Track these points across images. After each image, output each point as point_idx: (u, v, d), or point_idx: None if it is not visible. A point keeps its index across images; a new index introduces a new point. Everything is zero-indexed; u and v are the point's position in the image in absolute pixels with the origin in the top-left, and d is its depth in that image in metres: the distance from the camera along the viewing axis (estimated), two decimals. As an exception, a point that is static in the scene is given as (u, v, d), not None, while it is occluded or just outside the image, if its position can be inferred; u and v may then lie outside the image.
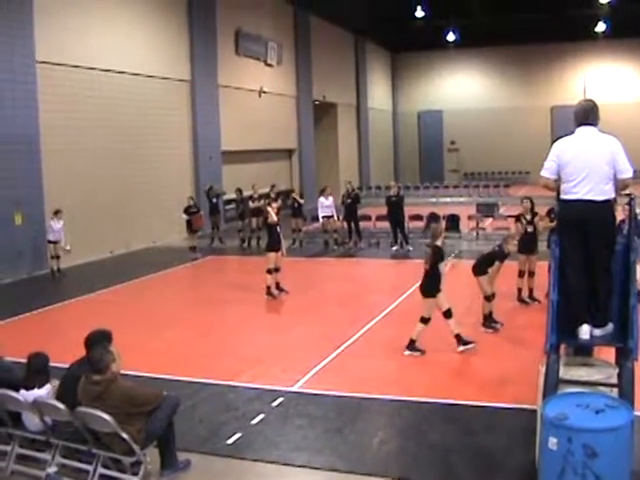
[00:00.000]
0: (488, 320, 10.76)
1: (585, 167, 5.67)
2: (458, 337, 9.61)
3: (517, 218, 12.69)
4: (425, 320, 9.60)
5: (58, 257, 16.43)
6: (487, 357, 9.50)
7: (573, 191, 5.73)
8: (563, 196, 5.86)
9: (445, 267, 9.69)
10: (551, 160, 5.92)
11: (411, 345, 9.63)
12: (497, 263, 10.65)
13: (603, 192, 5.67)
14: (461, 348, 9.57)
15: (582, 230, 5.72)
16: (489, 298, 10.69)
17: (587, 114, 5.84)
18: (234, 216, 22.02)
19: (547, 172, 5.96)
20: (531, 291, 12.46)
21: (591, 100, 5.98)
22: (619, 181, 5.73)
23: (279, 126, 30.82)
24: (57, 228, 16.25)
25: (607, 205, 5.73)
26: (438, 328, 10.18)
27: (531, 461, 5.88)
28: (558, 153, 5.87)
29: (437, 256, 9.61)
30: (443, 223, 19.90)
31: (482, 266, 10.73)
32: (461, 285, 12.57)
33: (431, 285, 9.57)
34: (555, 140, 6.13)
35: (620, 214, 7.09)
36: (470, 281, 11.11)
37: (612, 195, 5.75)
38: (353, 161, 40.40)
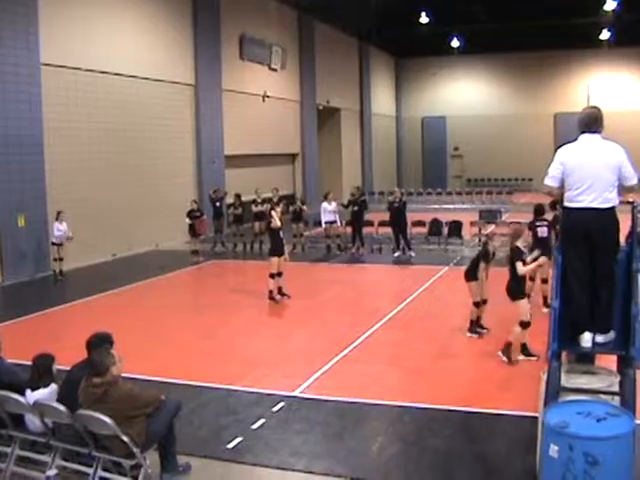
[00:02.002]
0: (474, 325, 10.75)
1: (590, 175, 5.64)
2: (524, 345, 9.40)
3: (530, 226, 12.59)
4: (524, 324, 9.27)
5: (61, 259, 16.42)
6: (488, 364, 9.48)
7: (578, 199, 5.71)
8: (567, 204, 5.83)
9: (523, 268, 9.34)
10: (555, 168, 5.89)
11: (525, 350, 9.39)
12: (482, 264, 10.56)
13: (607, 200, 5.65)
14: (521, 357, 9.36)
15: (586, 238, 5.70)
16: (478, 304, 10.67)
17: (592, 121, 5.81)
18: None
19: (551, 181, 5.92)
20: (545, 299, 12.12)
21: (596, 107, 5.94)
22: (625, 188, 5.72)
23: (282, 131, 30.86)
24: (60, 230, 16.26)
25: (611, 213, 5.72)
26: (434, 333, 10.20)
27: (532, 468, 5.87)
28: (562, 160, 5.85)
29: (515, 257, 9.32)
30: (445, 229, 19.96)
31: (471, 271, 10.69)
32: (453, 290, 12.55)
33: (515, 287, 9.37)
34: (559, 147, 6.11)
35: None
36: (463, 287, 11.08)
37: (616, 202, 5.73)
38: (356, 166, 40.41)
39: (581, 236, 5.73)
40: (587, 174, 5.66)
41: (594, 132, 5.79)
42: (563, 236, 6.04)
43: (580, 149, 5.79)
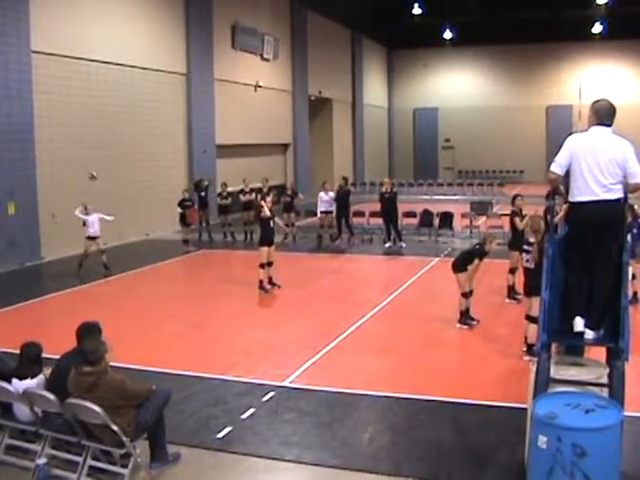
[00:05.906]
0: (464, 317, 10.80)
1: (597, 167, 5.60)
2: (531, 346, 8.86)
3: (511, 216, 12.71)
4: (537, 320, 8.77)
5: (103, 252, 15.58)
6: (478, 355, 9.52)
7: (584, 192, 5.66)
8: (575, 198, 5.76)
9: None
10: (564, 156, 5.79)
11: (530, 350, 8.84)
12: (476, 261, 10.59)
13: (613, 192, 5.62)
14: (527, 358, 8.76)
15: (593, 230, 5.66)
16: (466, 295, 10.73)
17: (609, 114, 5.76)
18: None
19: (558, 168, 5.81)
20: (510, 289, 12.35)
21: (609, 100, 5.87)
22: (630, 185, 5.69)
23: (274, 120, 30.79)
24: (93, 221, 15.39)
25: (619, 204, 5.69)
26: (424, 324, 10.20)
27: (521, 459, 5.91)
28: (572, 149, 5.76)
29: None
30: (436, 220, 19.98)
31: (461, 263, 10.76)
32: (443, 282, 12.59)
33: (538, 283, 8.97)
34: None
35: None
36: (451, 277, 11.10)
37: (622, 195, 5.71)
38: (348, 157, 40.39)
39: (588, 228, 5.69)
40: (594, 166, 5.61)
41: (606, 125, 5.77)
42: (569, 228, 5.98)
43: (590, 140, 5.73)
